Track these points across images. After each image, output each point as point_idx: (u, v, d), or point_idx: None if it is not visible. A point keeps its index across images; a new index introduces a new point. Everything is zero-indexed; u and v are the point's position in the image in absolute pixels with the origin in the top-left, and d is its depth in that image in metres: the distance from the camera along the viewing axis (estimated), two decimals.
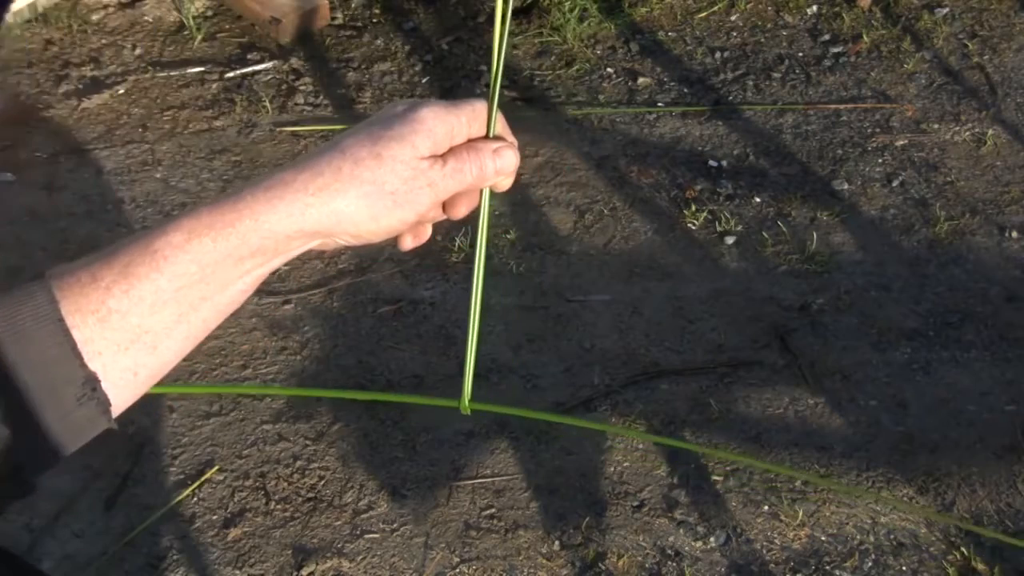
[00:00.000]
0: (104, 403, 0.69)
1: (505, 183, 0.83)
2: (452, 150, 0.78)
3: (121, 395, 0.70)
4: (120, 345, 0.69)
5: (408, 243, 0.82)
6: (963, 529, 2.32)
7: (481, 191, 0.83)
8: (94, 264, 0.69)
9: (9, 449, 0.66)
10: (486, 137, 0.81)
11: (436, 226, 0.87)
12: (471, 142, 0.79)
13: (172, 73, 3.34)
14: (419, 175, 0.75)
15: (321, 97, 3.30)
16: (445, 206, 0.81)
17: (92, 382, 0.67)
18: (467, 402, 0.92)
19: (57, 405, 0.67)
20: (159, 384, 0.74)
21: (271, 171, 0.74)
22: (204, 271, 0.71)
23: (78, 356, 0.67)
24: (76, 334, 0.67)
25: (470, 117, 0.79)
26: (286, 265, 2.75)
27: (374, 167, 0.74)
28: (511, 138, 0.83)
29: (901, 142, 3.20)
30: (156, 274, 0.69)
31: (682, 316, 2.72)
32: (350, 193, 0.73)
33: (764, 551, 2.28)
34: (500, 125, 0.82)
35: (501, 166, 0.80)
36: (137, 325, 0.69)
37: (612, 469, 2.41)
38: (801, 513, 2.33)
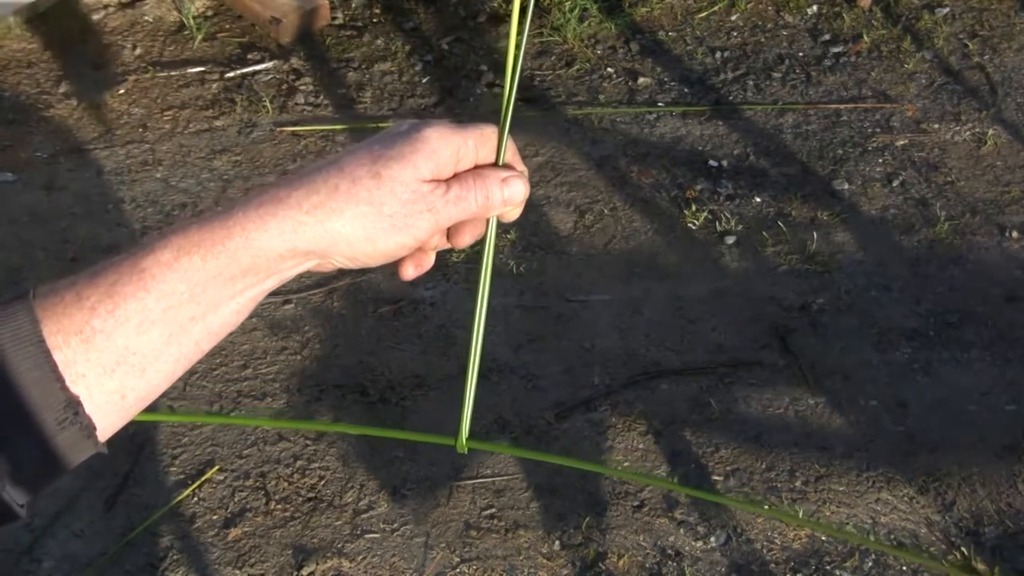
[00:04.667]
0: (88, 427, 0.65)
1: (513, 214, 0.78)
2: (457, 176, 0.74)
3: (108, 419, 0.67)
4: (105, 367, 0.66)
5: (410, 272, 0.77)
6: (963, 529, 2.32)
7: (487, 221, 0.79)
8: (79, 283, 0.66)
9: None
10: (495, 164, 0.76)
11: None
12: (478, 168, 0.75)
13: (172, 73, 3.34)
14: (419, 199, 0.71)
15: (321, 97, 3.30)
16: (449, 234, 0.77)
17: (74, 405, 0.65)
18: (464, 440, 0.87)
19: (38, 429, 0.64)
20: (148, 410, 0.71)
21: (264, 187, 0.70)
22: (193, 291, 0.67)
23: (59, 379, 0.64)
24: (58, 355, 0.64)
25: (478, 141, 0.74)
26: None
27: (372, 187, 0.70)
28: (521, 166, 0.78)
29: (901, 142, 3.20)
30: (143, 293, 0.66)
31: (682, 316, 2.72)
32: (346, 213, 0.69)
33: (764, 551, 2.28)
34: (510, 152, 0.77)
35: (509, 196, 0.75)
36: (124, 347, 0.66)
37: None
38: (801, 513, 2.33)
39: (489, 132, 0.76)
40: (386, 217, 0.71)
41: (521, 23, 0.77)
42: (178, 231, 0.68)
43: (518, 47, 0.78)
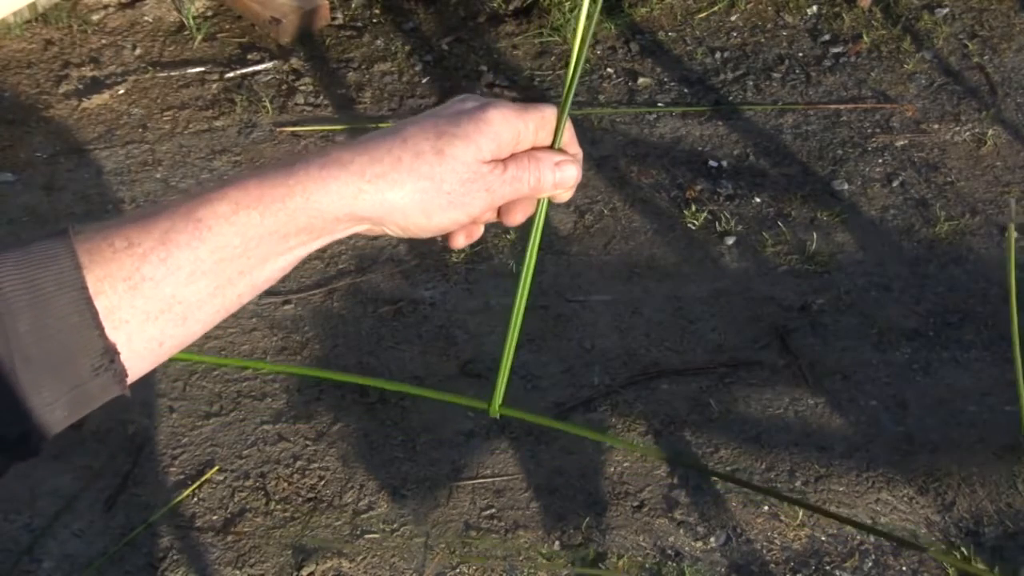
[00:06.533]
0: (121, 374, 0.66)
1: (564, 196, 0.81)
2: (513, 156, 0.76)
3: (141, 364, 0.68)
4: (149, 314, 0.67)
5: (460, 241, 0.80)
6: (963, 529, 2.32)
7: (539, 201, 0.81)
8: (128, 227, 0.67)
9: (18, 419, 0.64)
10: (551, 147, 0.79)
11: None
12: (534, 150, 0.78)
13: (172, 73, 3.34)
14: (478, 179, 0.74)
15: (321, 97, 3.30)
16: (500, 212, 0.79)
17: (111, 353, 0.65)
18: (497, 406, 0.91)
19: (72, 374, 0.65)
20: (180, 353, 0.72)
21: (326, 148, 0.72)
22: (247, 245, 0.69)
23: (98, 326, 0.65)
24: (102, 301, 0.65)
25: (538, 124, 0.77)
26: None
27: (434, 163, 0.72)
28: (576, 149, 0.81)
29: (901, 142, 3.20)
30: (197, 243, 0.67)
31: (682, 316, 2.72)
32: (407, 186, 0.71)
33: (764, 551, 2.28)
34: (568, 135, 0.80)
35: (560, 179, 0.78)
36: (171, 295, 0.67)
37: (612, 469, 2.41)
38: (801, 513, 2.33)
39: (550, 115, 0.78)
40: (444, 194, 0.73)
41: (592, 6, 0.79)
42: (236, 184, 0.69)
43: (586, 30, 0.79)
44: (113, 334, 0.66)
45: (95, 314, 0.65)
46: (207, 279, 0.68)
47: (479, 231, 0.81)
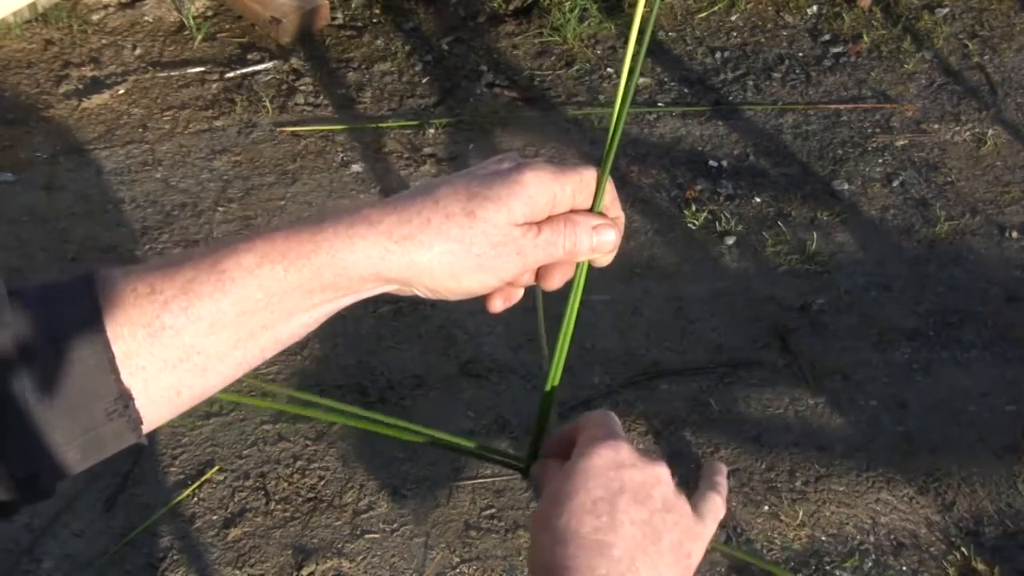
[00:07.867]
0: (135, 420, 0.66)
1: (603, 260, 0.78)
2: (549, 219, 0.73)
3: (159, 412, 0.68)
4: (167, 362, 0.66)
5: (497, 305, 0.77)
6: (963, 529, 2.32)
7: (578, 264, 0.78)
8: (153, 274, 0.66)
9: (28, 459, 0.64)
10: (589, 210, 0.75)
11: None
12: (572, 213, 0.74)
13: (172, 73, 3.34)
14: (509, 242, 0.71)
15: (321, 97, 3.30)
16: (538, 275, 0.77)
17: (125, 398, 0.65)
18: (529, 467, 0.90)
19: (85, 418, 0.64)
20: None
21: (356, 205, 0.70)
22: (270, 299, 0.68)
23: (114, 371, 0.64)
24: (120, 346, 0.64)
25: (576, 187, 0.74)
26: None
27: (464, 225, 0.70)
28: (617, 212, 0.77)
29: (901, 142, 3.20)
30: (220, 295, 0.66)
31: (682, 316, 2.72)
32: (434, 248, 0.69)
33: (764, 551, 2.28)
34: (609, 198, 0.76)
35: (598, 244, 0.75)
36: (190, 345, 0.66)
37: None
38: (801, 513, 2.33)
39: (588, 177, 0.75)
40: (474, 256, 0.71)
41: (634, 62, 0.77)
42: (264, 236, 0.68)
43: (624, 97, 0.76)
44: (129, 380, 0.65)
45: (111, 358, 0.64)
46: (228, 331, 0.67)
47: (517, 294, 0.78)
